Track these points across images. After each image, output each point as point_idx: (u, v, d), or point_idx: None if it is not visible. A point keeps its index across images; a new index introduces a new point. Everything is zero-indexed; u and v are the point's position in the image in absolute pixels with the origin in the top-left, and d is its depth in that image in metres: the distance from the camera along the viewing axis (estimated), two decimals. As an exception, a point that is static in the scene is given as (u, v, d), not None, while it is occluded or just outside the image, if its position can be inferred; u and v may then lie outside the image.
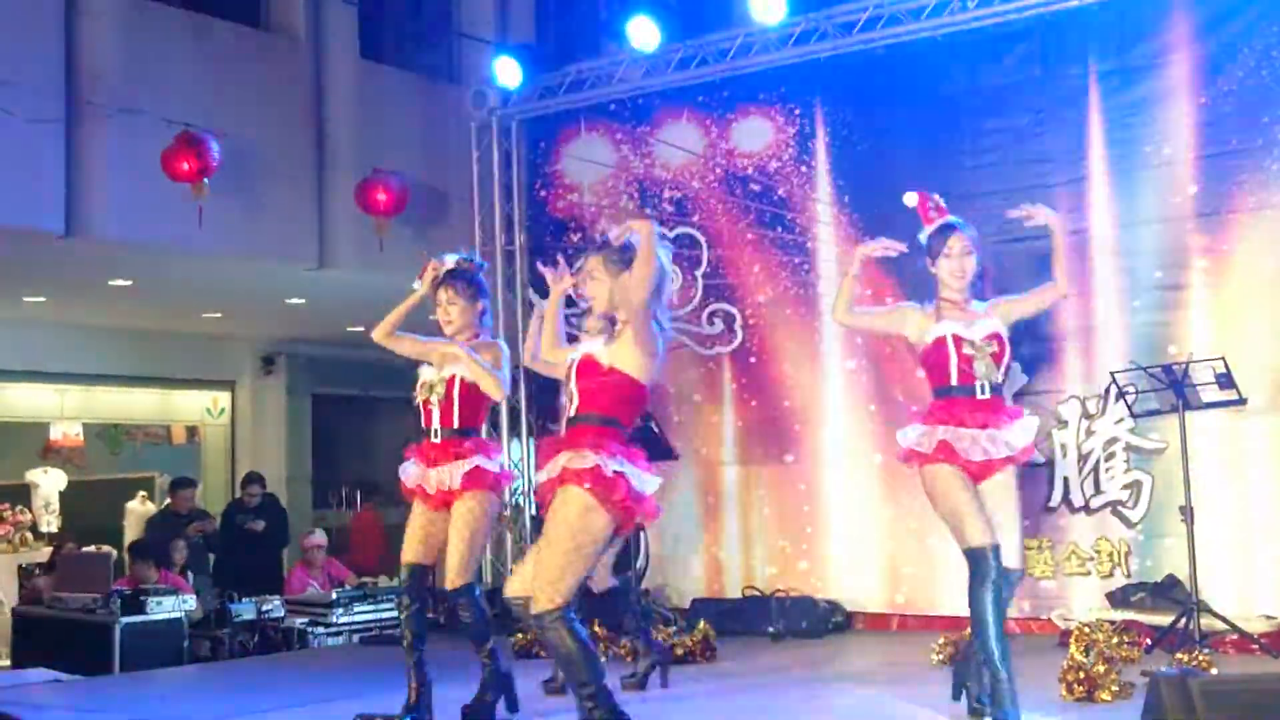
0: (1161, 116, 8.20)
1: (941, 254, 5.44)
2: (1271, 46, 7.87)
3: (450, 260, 6.09)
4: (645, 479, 4.89)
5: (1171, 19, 8.21)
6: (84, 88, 9.78)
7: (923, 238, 5.51)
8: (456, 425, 5.85)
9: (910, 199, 5.52)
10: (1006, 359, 5.37)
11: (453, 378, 5.89)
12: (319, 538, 11.07)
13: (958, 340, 5.31)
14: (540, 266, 6.10)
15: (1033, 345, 8.47)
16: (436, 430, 5.90)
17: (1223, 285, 7.96)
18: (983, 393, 5.27)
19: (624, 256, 5.03)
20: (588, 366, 4.98)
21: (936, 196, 5.53)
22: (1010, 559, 5.18)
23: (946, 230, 5.44)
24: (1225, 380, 7.25)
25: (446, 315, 5.98)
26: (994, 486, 5.23)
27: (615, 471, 4.76)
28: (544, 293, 5.91)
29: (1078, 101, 8.45)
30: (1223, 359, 7.31)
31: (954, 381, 5.30)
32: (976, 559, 5.13)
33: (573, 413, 4.99)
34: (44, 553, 12.34)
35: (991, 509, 5.18)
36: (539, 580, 4.75)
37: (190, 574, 10.72)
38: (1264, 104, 7.88)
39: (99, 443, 15.37)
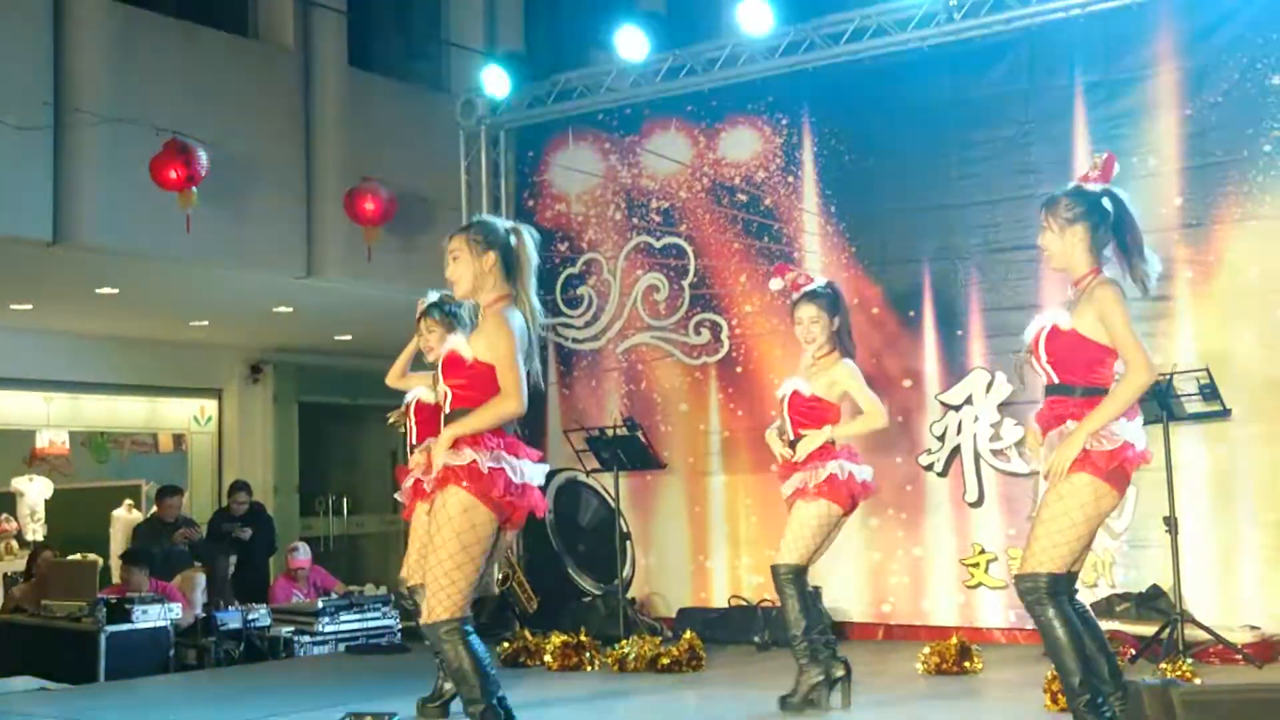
0: (1147, 128, 8.24)
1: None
2: (1256, 59, 7.91)
3: (432, 295, 6.53)
4: (527, 469, 4.68)
5: (1157, 31, 8.26)
6: (72, 95, 9.77)
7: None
8: (415, 442, 6.65)
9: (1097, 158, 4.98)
10: (1039, 359, 4.83)
11: (409, 404, 6.83)
12: (303, 557, 10.99)
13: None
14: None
15: (1018, 353, 8.49)
16: (412, 446, 6.69)
17: (1207, 296, 7.99)
18: (1048, 394, 4.87)
19: (488, 238, 4.75)
20: (453, 363, 4.72)
21: (1097, 158, 4.98)
22: (1025, 561, 4.78)
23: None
24: (1209, 392, 7.28)
25: (427, 343, 6.52)
26: (1045, 491, 4.81)
27: (492, 467, 4.55)
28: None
29: (1064, 113, 8.49)
30: (1207, 370, 7.33)
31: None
32: None
33: (447, 409, 4.74)
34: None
35: None
36: (431, 589, 4.58)
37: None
38: (1248, 116, 7.92)
39: (85, 451, 15.35)
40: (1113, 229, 4.82)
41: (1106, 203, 4.84)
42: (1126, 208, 4.88)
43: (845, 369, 6.18)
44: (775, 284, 6.50)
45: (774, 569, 6.10)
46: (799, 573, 6.08)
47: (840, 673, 6.14)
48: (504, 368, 4.63)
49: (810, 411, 6.15)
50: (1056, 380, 4.81)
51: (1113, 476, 4.70)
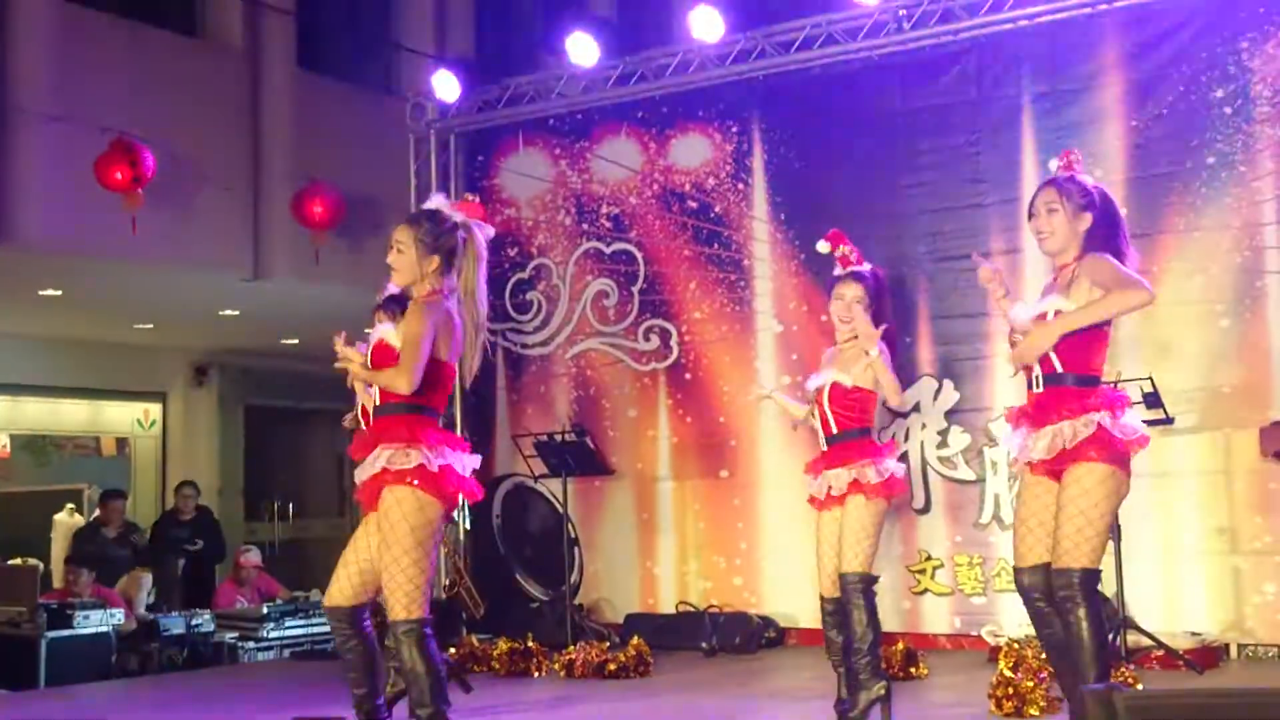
0: (1093, 139, 8.32)
1: (1030, 215, 4.93)
2: (1200, 71, 8.01)
3: (392, 288, 6.46)
4: (465, 461, 4.76)
5: (1103, 44, 8.34)
6: (15, 94, 9.66)
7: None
8: None
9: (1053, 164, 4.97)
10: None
11: (363, 405, 6.44)
12: (255, 558, 10.92)
13: (1010, 330, 4.90)
14: None
15: (965, 361, 8.57)
16: None
17: (1152, 305, 8.04)
18: (1036, 386, 4.79)
19: (436, 240, 4.76)
20: (381, 351, 4.80)
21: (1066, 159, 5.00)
22: (1057, 558, 4.68)
23: (1040, 186, 4.95)
24: (1153, 399, 7.35)
25: None
26: (1064, 484, 4.72)
27: (441, 464, 4.64)
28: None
29: (1012, 123, 8.56)
30: (1150, 378, 7.41)
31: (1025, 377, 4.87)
32: None
33: (379, 401, 4.80)
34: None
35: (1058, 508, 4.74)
36: (394, 590, 4.60)
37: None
38: (1193, 128, 8.02)
39: (26, 454, 15.15)
40: (1109, 224, 4.87)
41: (1098, 199, 4.90)
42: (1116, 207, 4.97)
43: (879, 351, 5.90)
44: (823, 246, 6.12)
45: (844, 578, 5.80)
46: (869, 581, 5.82)
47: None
48: (405, 347, 4.68)
49: (853, 404, 5.91)
50: (1060, 370, 4.75)
51: (1128, 465, 4.74)
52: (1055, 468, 4.74)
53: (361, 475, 4.76)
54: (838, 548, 5.88)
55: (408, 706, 4.70)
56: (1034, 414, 4.79)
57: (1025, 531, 4.83)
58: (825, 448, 5.97)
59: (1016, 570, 4.87)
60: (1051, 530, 4.74)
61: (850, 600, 5.78)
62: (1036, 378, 4.80)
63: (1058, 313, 4.75)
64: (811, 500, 6.02)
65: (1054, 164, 5.05)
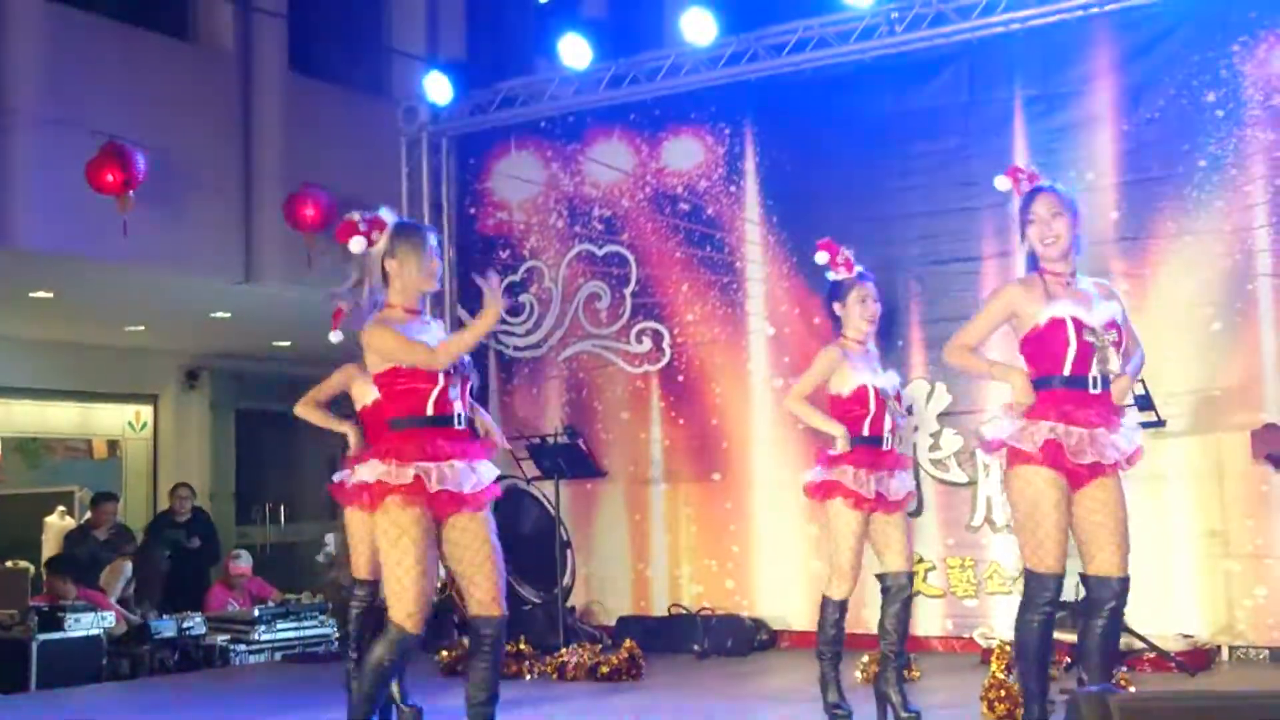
0: (1085, 142, 8.34)
1: (1028, 221, 4.93)
2: (1191, 76, 8.02)
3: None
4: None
5: (1095, 47, 8.36)
6: (8, 97, 9.65)
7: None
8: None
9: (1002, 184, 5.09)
10: (1122, 350, 4.85)
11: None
12: (245, 564, 10.91)
13: (1079, 325, 4.77)
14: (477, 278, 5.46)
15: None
16: None
17: (1143, 309, 8.06)
18: (1094, 386, 4.77)
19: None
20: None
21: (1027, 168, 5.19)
22: (1108, 567, 4.79)
23: (1032, 195, 4.95)
24: (1144, 402, 7.35)
25: None
26: (1095, 490, 4.77)
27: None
28: (472, 309, 5.94)
29: (1003, 126, 8.57)
30: (1142, 381, 7.41)
31: (1066, 371, 4.77)
32: (1028, 581, 4.89)
33: (464, 409, 5.04)
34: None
35: (1087, 515, 4.79)
36: (501, 584, 4.81)
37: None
38: (1184, 132, 8.03)
39: (17, 456, 15.11)
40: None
41: None
42: None
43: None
44: (821, 258, 6.00)
45: (911, 575, 6.08)
46: None
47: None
48: None
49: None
50: (1117, 373, 4.87)
51: None
52: (1092, 474, 4.77)
53: (472, 481, 4.85)
54: (895, 549, 6.01)
55: (474, 697, 4.75)
56: (1098, 414, 4.77)
57: (1061, 538, 4.82)
58: (887, 448, 5.91)
59: (1056, 578, 4.84)
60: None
61: (911, 597, 6.07)
62: (1095, 378, 4.79)
63: (1114, 323, 4.86)
64: (878, 500, 5.87)
65: (1002, 182, 5.10)
